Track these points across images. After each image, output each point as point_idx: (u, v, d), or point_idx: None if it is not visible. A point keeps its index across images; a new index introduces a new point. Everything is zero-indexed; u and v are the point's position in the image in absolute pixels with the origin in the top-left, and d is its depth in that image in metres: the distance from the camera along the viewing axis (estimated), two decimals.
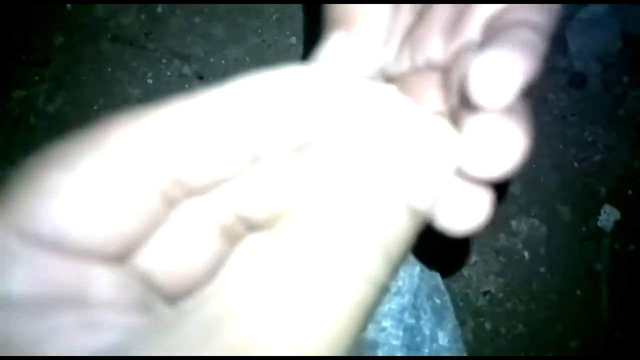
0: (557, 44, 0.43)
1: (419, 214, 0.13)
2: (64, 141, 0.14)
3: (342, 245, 0.12)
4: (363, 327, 0.12)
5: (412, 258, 0.38)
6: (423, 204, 0.13)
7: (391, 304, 0.35)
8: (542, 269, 0.42)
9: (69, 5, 0.40)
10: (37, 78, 0.39)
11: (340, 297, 0.12)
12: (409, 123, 0.14)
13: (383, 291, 0.13)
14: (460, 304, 0.42)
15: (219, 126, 0.14)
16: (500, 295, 0.42)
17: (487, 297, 0.42)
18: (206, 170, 0.14)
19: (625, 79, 0.43)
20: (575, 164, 0.43)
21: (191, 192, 0.15)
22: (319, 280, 0.12)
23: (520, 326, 0.42)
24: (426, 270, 0.37)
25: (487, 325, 0.42)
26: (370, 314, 0.13)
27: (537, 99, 0.43)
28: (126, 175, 0.13)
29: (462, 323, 0.41)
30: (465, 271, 0.42)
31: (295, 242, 0.12)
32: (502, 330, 0.42)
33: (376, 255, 0.12)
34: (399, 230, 0.13)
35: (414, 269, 0.37)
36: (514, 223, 0.42)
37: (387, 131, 0.14)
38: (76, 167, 0.13)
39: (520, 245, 0.42)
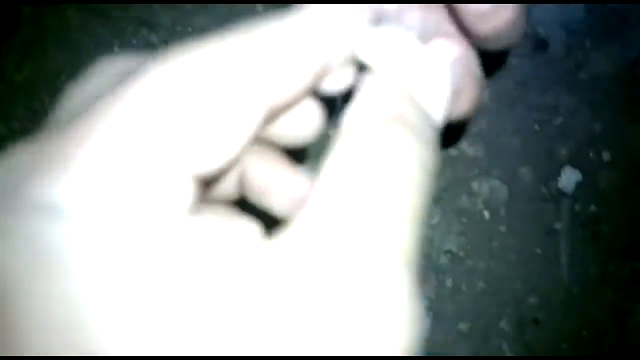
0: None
1: (436, 125, 0.17)
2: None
3: (397, 144, 0.15)
4: (426, 211, 0.16)
5: None
6: (438, 116, 0.18)
7: None
8: (502, 228, 0.44)
9: None
10: (6, 48, 0.40)
11: (408, 178, 0.15)
12: (423, 58, 0.18)
13: (433, 177, 0.16)
14: (422, 262, 0.43)
15: (296, 52, 0.17)
16: (461, 253, 0.44)
17: (449, 255, 0.44)
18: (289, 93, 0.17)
19: (587, 43, 0.44)
20: (537, 127, 0.44)
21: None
22: (392, 168, 0.15)
23: (481, 283, 0.44)
24: None
25: (448, 282, 0.44)
26: (428, 199, 0.16)
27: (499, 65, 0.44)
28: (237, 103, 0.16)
29: (423, 281, 0.43)
30: (427, 231, 0.44)
31: (362, 148, 0.15)
32: (463, 287, 0.44)
33: (420, 146, 0.16)
34: (428, 135, 0.17)
35: None
36: (475, 185, 0.44)
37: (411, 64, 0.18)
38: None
39: (480, 206, 0.44)
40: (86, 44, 0.41)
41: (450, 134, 0.43)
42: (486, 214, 0.44)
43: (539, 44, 0.44)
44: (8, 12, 0.39)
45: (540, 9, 0.43)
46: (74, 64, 0.40)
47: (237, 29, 0.16)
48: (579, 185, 0.44)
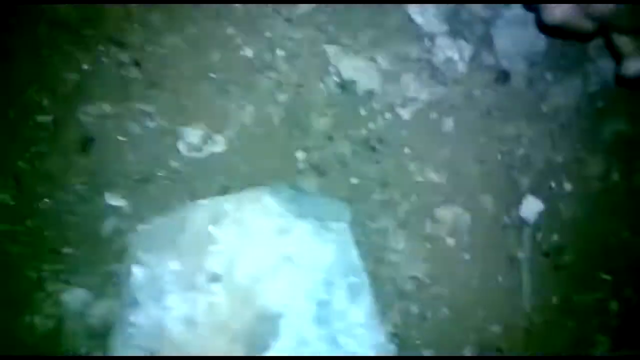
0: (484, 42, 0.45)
1: None
2: None
3: None
4: None
5: (328, 236, 0.40)
6: None
7: (304, 278, 0.37)
8: (466, 256, 0.44)
9: None
10: None
11: None
12: None
13: None
14: (388, 288, 0.43)
15: None
16: (427, 280, 0.44)
17: (414, 281, 0.44)
18: None
19: (548, 75, 0.45)
20: (499, 157, 0.45)
21: None
22: None
23: (445, 310, 0.44)
24: (342, 247, 0.39)
25: (414, 309, 0.43)
26: None
27: (463, 95, 0.45)
28: None
29: (389, 306, 0.43)
30: (393, 257, 0.44)
31: None
32: (428, 313, 0.44)
33: None
34: None
35: (328, 246, 0.39)
36: (439, 211, 0.44)
37: None
38: None
39: (445, 233, 0.44)
40: (55, 61, 0.41)
41: None
42: (451, 241, 0.44)
43: (502, 76, 0.45)
44: None
45: (503, 42, 0.45)
46: (41, 79, 0.40)
47: None
48: (540, 215, 0.45)
